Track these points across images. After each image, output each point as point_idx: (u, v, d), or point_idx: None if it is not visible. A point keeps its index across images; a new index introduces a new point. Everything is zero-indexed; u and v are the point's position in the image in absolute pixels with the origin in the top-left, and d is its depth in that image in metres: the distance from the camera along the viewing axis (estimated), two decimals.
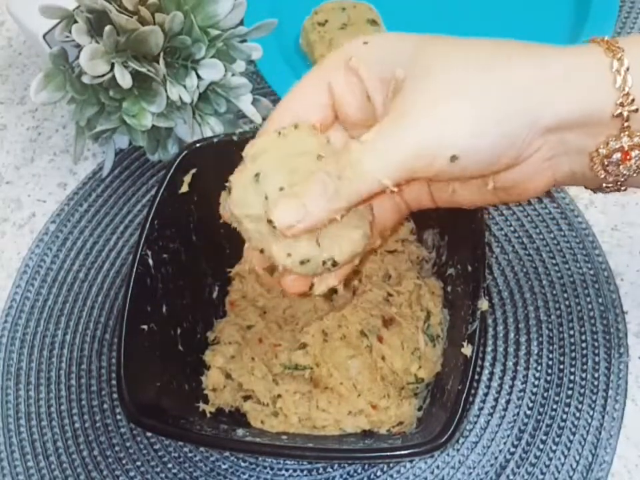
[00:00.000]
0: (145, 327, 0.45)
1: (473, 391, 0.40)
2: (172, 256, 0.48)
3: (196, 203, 0.50)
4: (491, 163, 0.33)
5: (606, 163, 0.33)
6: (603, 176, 0.34)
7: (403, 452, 0.39)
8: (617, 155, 0.33)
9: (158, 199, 0.47)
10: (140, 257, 0.45)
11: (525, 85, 0.32)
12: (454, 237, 0.48)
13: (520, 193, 0.36)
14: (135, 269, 0.45)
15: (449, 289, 0.48)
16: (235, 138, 0.48)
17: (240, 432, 0.45)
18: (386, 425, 0.47)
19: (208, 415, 0.48)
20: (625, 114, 0.32)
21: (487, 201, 0.37)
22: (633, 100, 0.31)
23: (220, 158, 0.49)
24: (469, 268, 0.44)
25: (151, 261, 0.46)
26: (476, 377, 0.50)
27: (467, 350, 0.40)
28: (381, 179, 0.32)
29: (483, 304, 0.41)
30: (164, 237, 0.47)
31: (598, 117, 0.32)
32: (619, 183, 0.34)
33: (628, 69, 0.32)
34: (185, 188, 0.48)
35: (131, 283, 0.45)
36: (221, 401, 0.49)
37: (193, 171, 0.48)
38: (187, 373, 0.49)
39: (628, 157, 0.33)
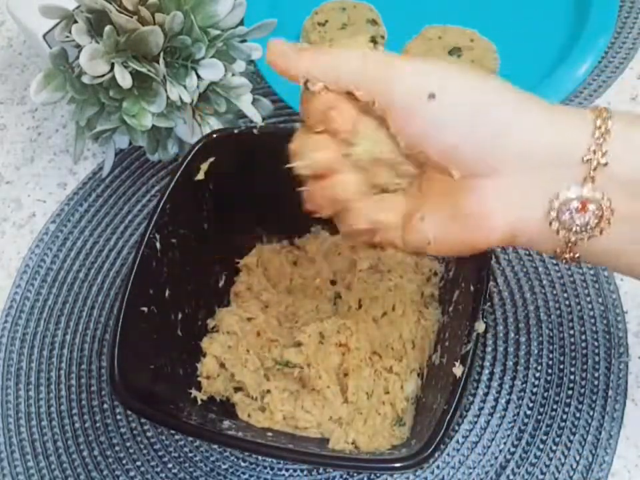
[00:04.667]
0: (145, 308, 0.45)
1: (459, 412, 0.39)
2: (181, 241, 0.48)
3: (211, 191, 0.49)
4: (464, 133, 0.33)
5: (563, 209, 0.33)
6: (555, 227, 0.33)
7: (379, 465, 0.39)
8: (575, 204, 0.32)
9: (173, 183, 0.47)
10: (147, 239, 0.45)
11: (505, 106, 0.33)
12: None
13: (475, 227, 0.34)
14: (140, 251, 0.45)
15: (450, 308, 0.48)
16: (255, 131, 0.48)
17: (226, 424, 0.45)
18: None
19: (199, 402, 0.48)
20: (594, 163, 0.32)
21: (448, 234, 0.35)
22: (605, 152, 0.31)
23: (239, 149, 0.49)
24: (472, 288, 0.43)
25: (158, 244, 0.46)
26: (476, 376, 0.50)
27: (458, 370, 0.39)
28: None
29: (480, 326, 0.40)
30: (174, 222, 0.47)
31: (568, 156, 0.32)
32: (569, 245, 0.34)
33: (609, 131, 0.32)
34: (201, 175, 0.48)
35: (135, 264, 0.44)
36: (213, 389, 0.49)
37: (211, 159, 0.48)
38: (183, 358, 0.49)
39: (584, 208, 0.32)
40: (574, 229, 0.33)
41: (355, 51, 0.34)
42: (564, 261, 0.34)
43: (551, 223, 0.33)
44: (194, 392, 0.48)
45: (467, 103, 0.33)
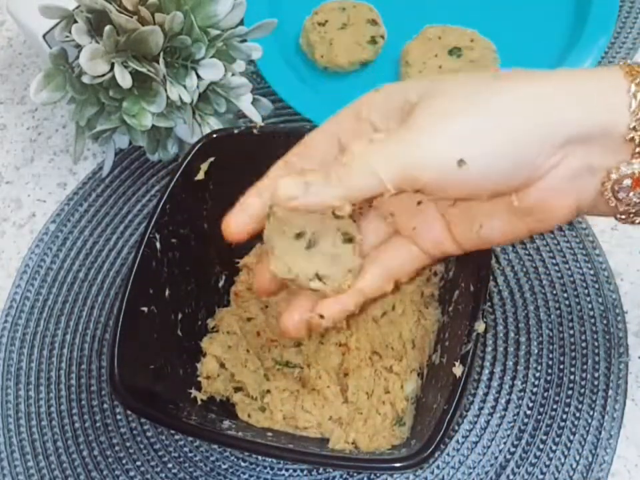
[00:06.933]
0: (145, 308, 0.45)
1: (459, 412, 0.39)
2: (181, 241, 0.48)
3: (211, 191, 0.49)
4: (505, 175, 0.32)
5: (617, 188, 0.32)
6: (613, 204, 0.33)
7: (379, 465, 0.39)
8: (628, 181, 0.32)
9: (173, 183, 0.47)
10: (147, 239, 0.45)
11: (539, 97, 0.32)
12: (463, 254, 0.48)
13: (545, 218, 0.35)
14: (140, 251, 0.45)
15: (450, 308, 0.48)
16: (255, 131, 0.48)
17: (226, 424, 0.45)
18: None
19: (199, 402, 0.48)
20: (637, 139, 0.31)
21: (516, 232, 0.36)
22: None
23: (239, 149, 0.49)
24: (472, 287, 0.43)
25: (158, 244, 0.46)
26: (476, 376, 0.50)
27: (458, 370, 0.39)
28: (383, 177, 0.32)
29: (480, 326, 0.40)
30: (174, 222, 0.47)
31: (611, 137, 0.32)
32: (631, 215, 0.34)
33: None
34: (200, 175, 0.48)
35: (136, 264, 0.45)
36: (213, 389, 0.49)
37: (211, 159, 0.48)
38: (183, 358, 0.49)
39: (639, 184, 0.32)
40: (632, 203, 0.33)
41: (361, 171, 0.33)
42: (629, 224, 0.35)
43: (608, 201, 0.33)
44: (194, 392, 0.48)
45: (498, 146, 0.32)
